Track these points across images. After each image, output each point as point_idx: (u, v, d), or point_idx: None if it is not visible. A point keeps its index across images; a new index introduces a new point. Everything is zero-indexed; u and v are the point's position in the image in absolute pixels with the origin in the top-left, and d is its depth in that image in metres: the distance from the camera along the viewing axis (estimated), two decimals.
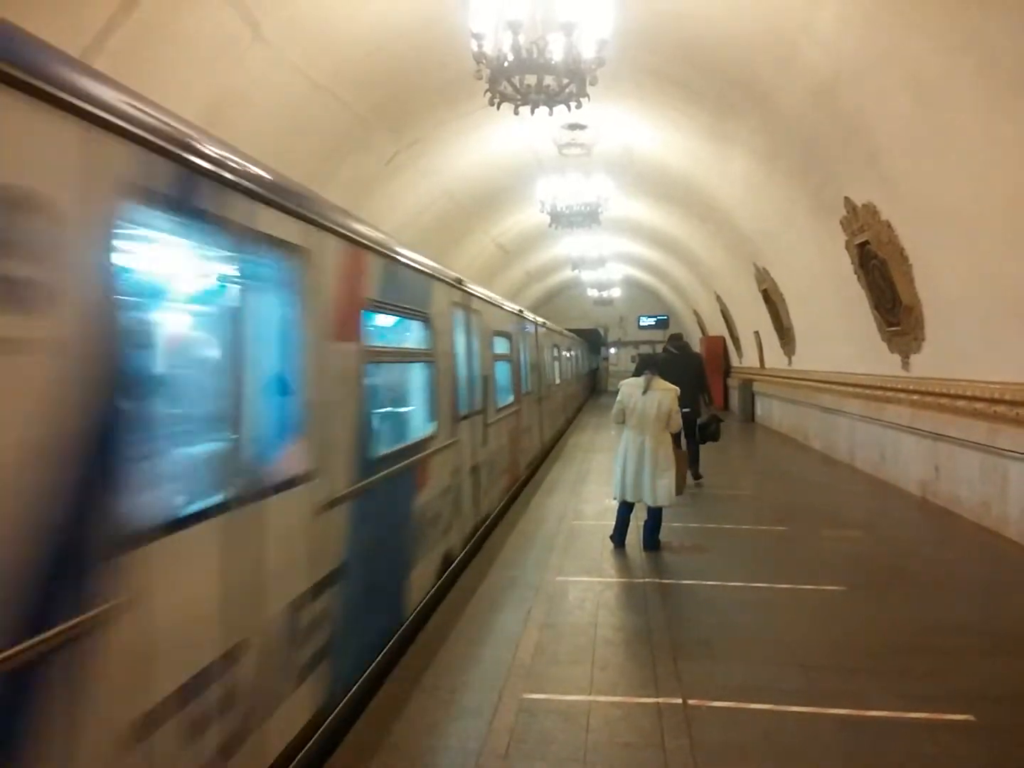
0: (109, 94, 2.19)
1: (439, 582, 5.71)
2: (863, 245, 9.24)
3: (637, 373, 6.94)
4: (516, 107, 6.31)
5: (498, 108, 6.36)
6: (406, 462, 4.95)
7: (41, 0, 4.29)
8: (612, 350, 34.87)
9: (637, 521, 6.99)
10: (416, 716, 3.78)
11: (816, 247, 11.17)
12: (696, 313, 25.73)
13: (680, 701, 3.89)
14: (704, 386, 9.71)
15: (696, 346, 26.50)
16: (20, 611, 1.81)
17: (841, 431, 12.40)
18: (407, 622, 4.83)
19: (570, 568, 6.37)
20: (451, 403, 6.39)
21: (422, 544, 5.31)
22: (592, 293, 27.40)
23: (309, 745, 3.29)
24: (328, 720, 3.51)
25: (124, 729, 2.16)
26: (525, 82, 6.15)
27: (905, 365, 9.37)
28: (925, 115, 6.71)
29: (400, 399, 5.92)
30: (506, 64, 5.90)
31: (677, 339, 10.13)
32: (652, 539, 6.84)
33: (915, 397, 9.12)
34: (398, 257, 5.07)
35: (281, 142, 7.52)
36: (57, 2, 4.58)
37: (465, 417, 6.90)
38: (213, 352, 2.97)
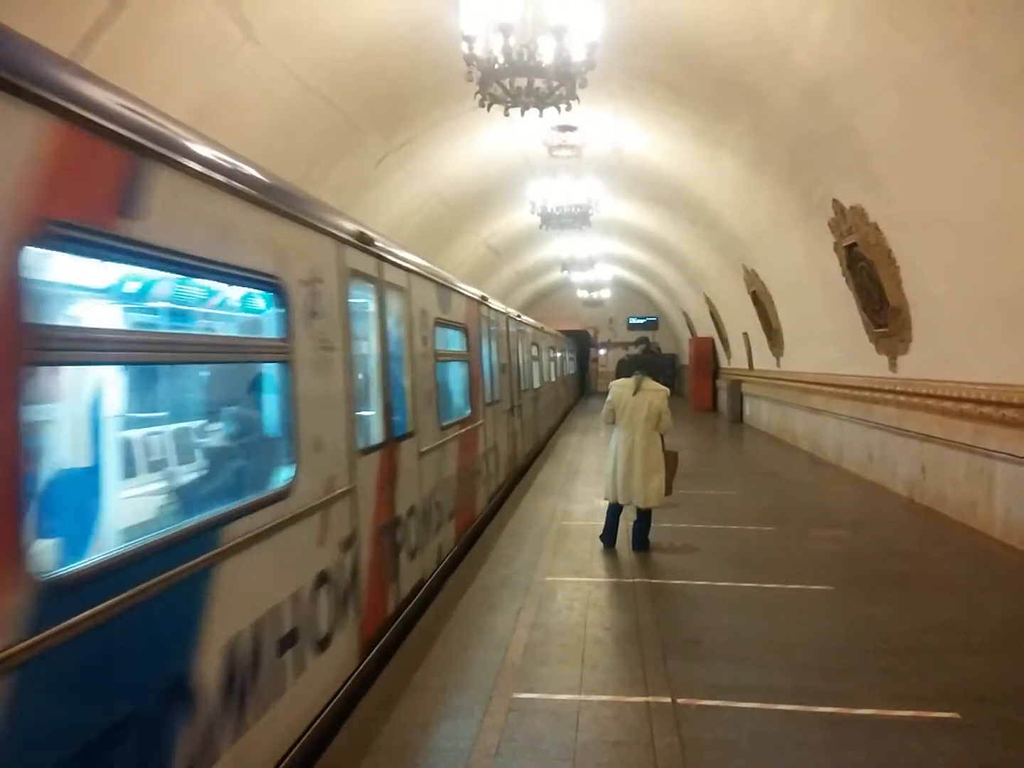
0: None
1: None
2: (851, 247, 9.30)
3: (626, 374, 6.97)
4: (506, 109, 6.33)
5: (488, 110, 6.37)
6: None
7: None
8: (602, 351, 34.91)
9: (627, 521, 7.02)
10: (406, 716, 3.79)
11: (805, 249, 11.24)
12: (685, 314, 25.80)
13: (669, 700, 3.92)
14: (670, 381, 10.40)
15: (685, 347, 26.77)
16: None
17: (829, 432, 12.47)
18: None
19: (560, 568, 6.39)
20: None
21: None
22: (582, 294, 27.38)
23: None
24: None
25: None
26: (515, 84, 6.17)
27: (892, 366, 9.44)
28: (914, 118, 6.77)
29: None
30: (496, 66, 5.92)
31: (645, 341, 11.06)
32: (641, 539, 6.86)
33: (902, 398, 9.19)
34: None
35: (272, 143, 7.50)
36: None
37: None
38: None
